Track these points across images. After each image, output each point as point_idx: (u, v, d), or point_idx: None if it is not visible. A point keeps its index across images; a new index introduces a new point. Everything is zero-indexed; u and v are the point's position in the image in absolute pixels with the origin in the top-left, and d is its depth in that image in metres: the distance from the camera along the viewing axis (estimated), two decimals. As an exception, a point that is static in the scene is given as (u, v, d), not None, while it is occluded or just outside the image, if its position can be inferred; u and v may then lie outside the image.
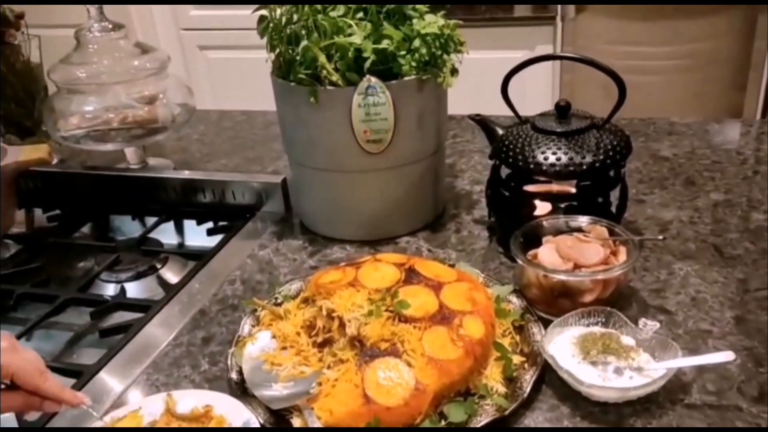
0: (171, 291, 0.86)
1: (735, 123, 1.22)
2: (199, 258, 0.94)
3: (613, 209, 0.85)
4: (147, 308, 0.83)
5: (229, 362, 0.70)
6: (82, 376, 0.71)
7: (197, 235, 1.06)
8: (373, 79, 0.82)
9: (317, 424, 0.60)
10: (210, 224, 1.06)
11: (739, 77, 2.00)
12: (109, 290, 0.92)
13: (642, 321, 0.66)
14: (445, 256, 0.88)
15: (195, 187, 1.08)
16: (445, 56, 0.87)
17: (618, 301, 0.73)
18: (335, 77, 0.83)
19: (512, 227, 0.79)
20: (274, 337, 0.72)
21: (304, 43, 0.82)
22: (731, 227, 0.87)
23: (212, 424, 0.62)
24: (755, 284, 0.76)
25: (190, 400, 0.64)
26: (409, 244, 0.92)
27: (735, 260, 0.81)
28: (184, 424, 0.62)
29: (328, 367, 0.66)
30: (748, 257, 0.81)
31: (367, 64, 0.81)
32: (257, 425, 0.61)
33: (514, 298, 0.75)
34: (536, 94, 2.02)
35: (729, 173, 1.01)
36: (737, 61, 1.97)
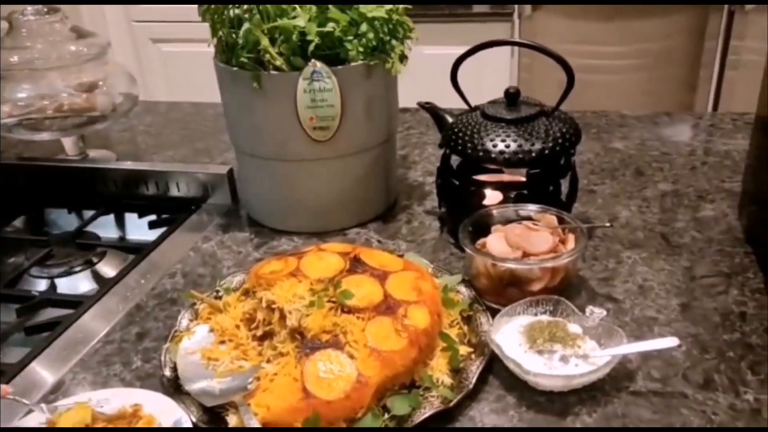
0: (106, 286, 0.82)
1: (684, 116, 1.23)
2: (140, 252, 0.90)
3: (564, 198, 0.85)
4: (78, 304, 0.78)
5: (162, 358, 0.66)
6: (3, 375, 0.66)
7: (139, 229, 1.01)
8: (319, 64, 0.80)
9: (253, 421, 0.57)
10: (153, 217, 1.01)
11: (690, 76, 2.04)
12: (40, 286, 0.87)
13: (589, 309, 0.65)
14: (395, 247, 0.86)
15: (137, 179, 1.03)
16: (393, 42, 0.85)
17: (567, 290, 0.72)
18: (279, 62, 0.80)
19: (462, 217, 0.77)
20: (212, 330, 0.69)
21: (245, 25, 0.79)
22: (678, 216, 0.88)
23: (141, 424, 0.58)
24: (701, 272, 0.76)
25: (117, 400, 0.60)
26: (359, 236, 0.89)
27: (681, 248, 0.80)
28: (110, 426, 0.58)
29: (268, 361, 0.63)
30: (695, 245, 0.81)
31: (311, 47, 0.78)
32: (189, 424, 0.58)
33: (462, 288, 0.74)
34: (493, 94, 2.02)
35: (677, 164, 1.02)
36: (689, 60, 2.01)
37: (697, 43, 2.00)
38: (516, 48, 2.05)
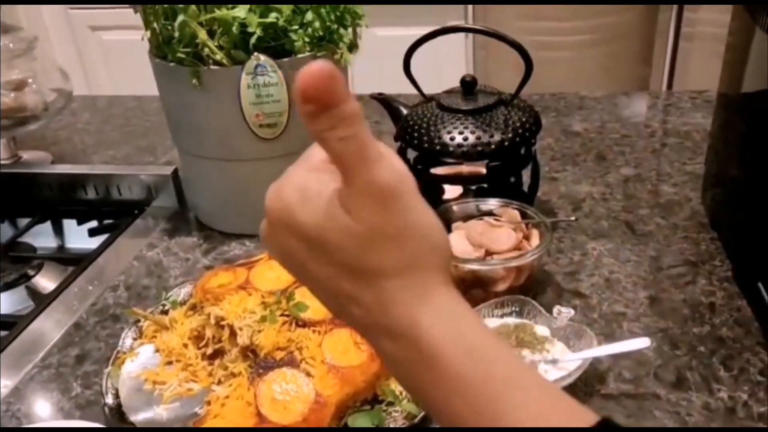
0: (42, 303, 0.76)
1: (642, 96, 1.21)
2: (80, 262, 0.83)
3: (526, 189, 0.82)
4: (11, 325, 0.72)
5: (104, 384, 0.61)
6: (-75, 413, 0.61)
7: (79, 237, 0.95)
8: (262, 57, 0.74)
9: (204, 451, 0.53)
10: (93, 223, 0.95)
11: (645, 50, 2.04)
12: (-30, 306, 0.81)
13: (557, 308, 0.62)
14: (353, 247, 0.81)
15: (74, 183, 0.96)
16: (341, 30, 0.80)
17: (533, 287, 0.69)
18: (219, 56, 0.74)
19: (421, 213, 0.73)
20: (157, 350, 0.64)
21: (180, 17, 0.73)
22: (642, 202, 0.85)
23: (81, 461, 0.53)
24: (667, 261, 0.74)
25: None
26: (315, 236, 0.85)
27: (647, 237, 0.78)
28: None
29: (219, 382, 0.59)
30: (660, 233, 0.79)
31: (253, 39, 0.73)
32: (134, 458, 0.53)
33: (424, 290, 0.70)
34: (449, 74, 1.98)
35: (638, 147, 1.00)
36: (643, 33, 2.00)
37: (650, 16, 2.00)
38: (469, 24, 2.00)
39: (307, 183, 0.33)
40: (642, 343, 0.57)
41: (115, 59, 2.25)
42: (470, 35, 2.05)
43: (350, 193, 0.31)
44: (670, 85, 1.99)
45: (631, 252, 0.76)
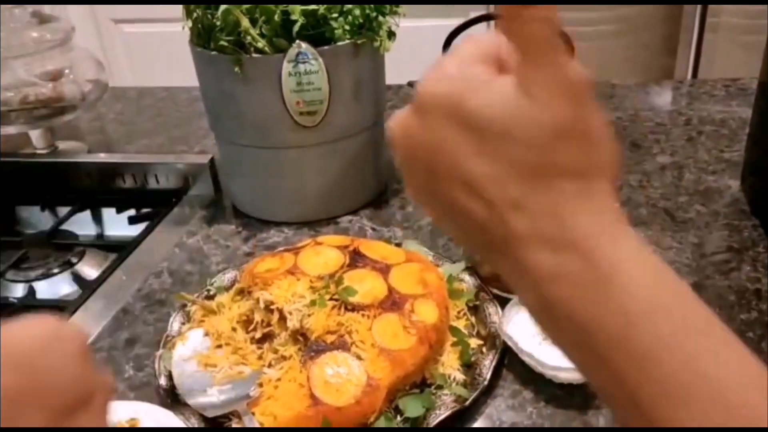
0: (88, 288, 0.77)
1: (675, 83, 1.21)
2: (121, 250, 0.85)
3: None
4: (61, 309, 0.74)
5: (156, 366, 0.62)
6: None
7: (118, 225, 0.96)
8: (304, 45, 0.75)
9: None
10: (132, 212, 0.96)
11: (669, 40, 2.02)
12: (17, 291, 0.82)
13: (602, 294, 0.62)
14: (391, 235, 0.82)
15: (112, 172, 0.98)
16: (380, 18, 0.80)
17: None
18: (261, 44, 0.75)
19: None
20: (206, 334, 0.65)
21: (223, 6, 0.74)
22: (681, 190, 0.85)
23: (139, 441, 0.54)
24: (710, 248, 0.74)
25: (111, 414, 0.56)
26: (352, 224, 0.85)
27: (687, 224, 0.78)
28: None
29: (269, 365, 0.59)
30: (701, 220, 0.79)
31: (296, 27, 0.73)
32: (191, 438, 0.54)
33: (466, 277, 0.71)
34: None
35: (673, 135, 1.00)
36: (668, 23, 1.99)
37: (676, 6, 1.98)
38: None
39: (471, 71, 0.28)
40: (692, 327, 0.57)
41: (138, 52, 2.27)
42: (492, 28, 2.04)
43: (540, 81, 0.26)
44: (695, 76, 1.97)
45: (672, 239, 0.76)
